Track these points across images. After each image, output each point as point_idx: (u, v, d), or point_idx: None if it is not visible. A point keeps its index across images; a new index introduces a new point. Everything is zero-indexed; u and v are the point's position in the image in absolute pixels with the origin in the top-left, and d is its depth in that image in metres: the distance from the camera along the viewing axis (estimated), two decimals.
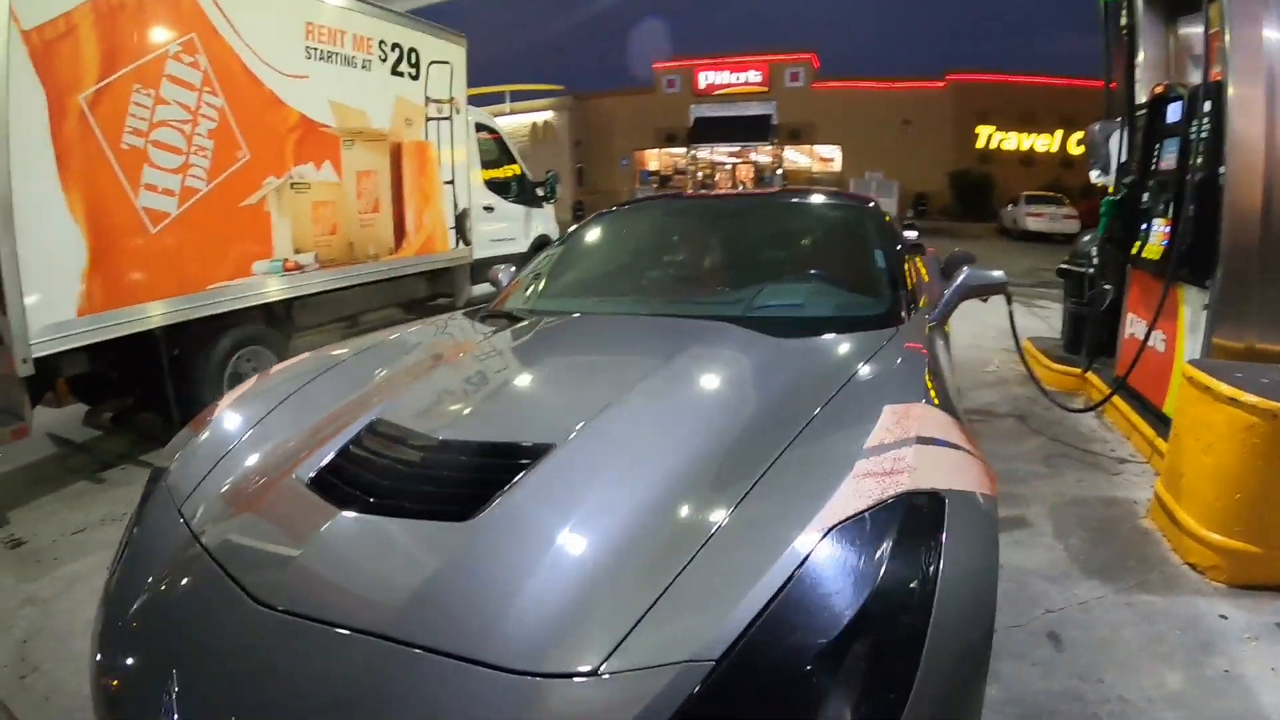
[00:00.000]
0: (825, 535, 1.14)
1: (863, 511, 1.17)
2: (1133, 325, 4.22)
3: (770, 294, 2.52)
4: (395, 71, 5.36)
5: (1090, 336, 4.62)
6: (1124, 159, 4.28)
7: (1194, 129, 3.15)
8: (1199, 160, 3.13)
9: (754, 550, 1.15)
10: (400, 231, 5.55)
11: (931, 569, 1.12)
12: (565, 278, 2.94)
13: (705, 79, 29.67)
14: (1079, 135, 22.95)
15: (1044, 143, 27.13)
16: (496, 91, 29.42)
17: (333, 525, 1.32)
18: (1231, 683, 2.01)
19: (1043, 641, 2.18)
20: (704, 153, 30.53)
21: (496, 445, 1.49)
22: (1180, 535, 2.66)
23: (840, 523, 1.15)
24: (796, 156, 29.98)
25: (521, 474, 1.34)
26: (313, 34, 4.60)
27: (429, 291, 6.36)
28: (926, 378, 1.73)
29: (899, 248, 2.73)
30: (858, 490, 1.22)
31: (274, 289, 4.52)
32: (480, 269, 6.24)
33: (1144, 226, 3.80)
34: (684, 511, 1.27)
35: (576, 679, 1.00)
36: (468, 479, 1.40)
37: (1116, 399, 4.07)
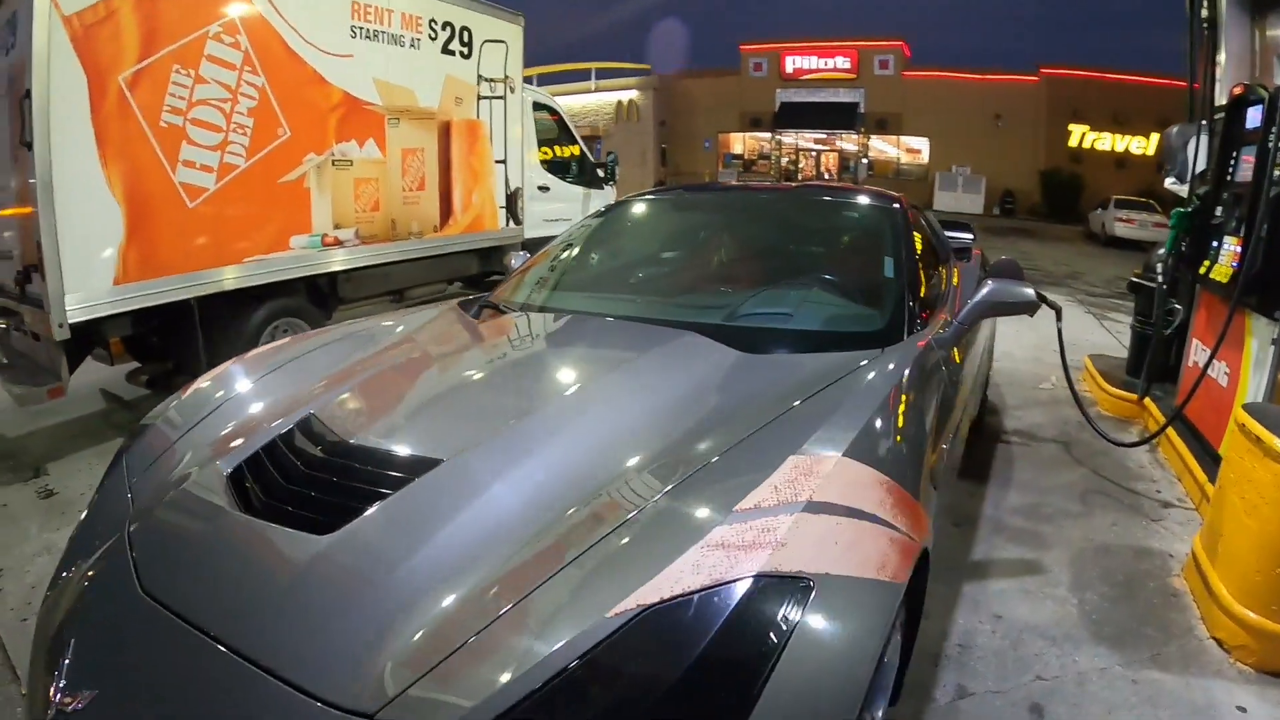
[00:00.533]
0: (635, 618, 0.97)
1: (691, 593, 0.99)
2: (1197, 352, 3.74)
3: (760, 300, 2.32)
4: (446, 50, 5.27)
5: (1151, 359, 4.13)
6: (1202, 167, 3.76)
7: (1273, 136, 2.69)
8: (1277, 173, 2.68)
9: (562, 619, 1.02)
10: (447, 209, 5.50)
11: (762, 675, 0.93)
12: (559, 272, 2.79)
13: (792, 63, 28.44)
14: None
15: (1139, 145, 24.91)
16: (582, 69, 29.34)
17: (222, 522, 1.33)
18: None
19: (1021, 715, 1.91)
20: (789, 138, 29.52)
21: (391, 456, 1.42)
22: (1211, 604, 2.30)
23: (657, 604, 0.99)
24: (883, 146, 28.59)
25: (393, 491, 1.28)
26: (358, 13, 4.55)
27: (480, 269, 6.30)
28: (875, 418, 1.50)
29: (916, 254, 2.46)
30: (698, 564, 1.04)
31: (312, 263, 4.55)
32: (534, 248, 6.02)
33: (1214, 244, 3.32)
34: (523, 556, 1.13)
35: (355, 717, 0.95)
36: (352, 489, 1.33)
37: (1172, 433, 3.63)
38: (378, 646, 1.02)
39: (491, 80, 5.72)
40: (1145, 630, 2.28)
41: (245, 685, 1.01)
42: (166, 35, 3.62)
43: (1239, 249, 3.01)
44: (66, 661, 1.14)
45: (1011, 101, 25.98)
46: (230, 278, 4.11)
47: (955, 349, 2.30)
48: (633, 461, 1.36)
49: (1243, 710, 1.94)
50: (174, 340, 4.17)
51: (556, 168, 7.29)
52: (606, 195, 8.33)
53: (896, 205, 2.74)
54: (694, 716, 0.92)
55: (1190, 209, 3.67)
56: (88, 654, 1.16)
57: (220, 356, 4.12)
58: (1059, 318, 3.70)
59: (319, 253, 4.59)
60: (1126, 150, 24.85)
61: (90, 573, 1.34)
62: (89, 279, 3.46)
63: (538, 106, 6.79)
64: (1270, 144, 2.68)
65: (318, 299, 4.89)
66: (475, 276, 6.36)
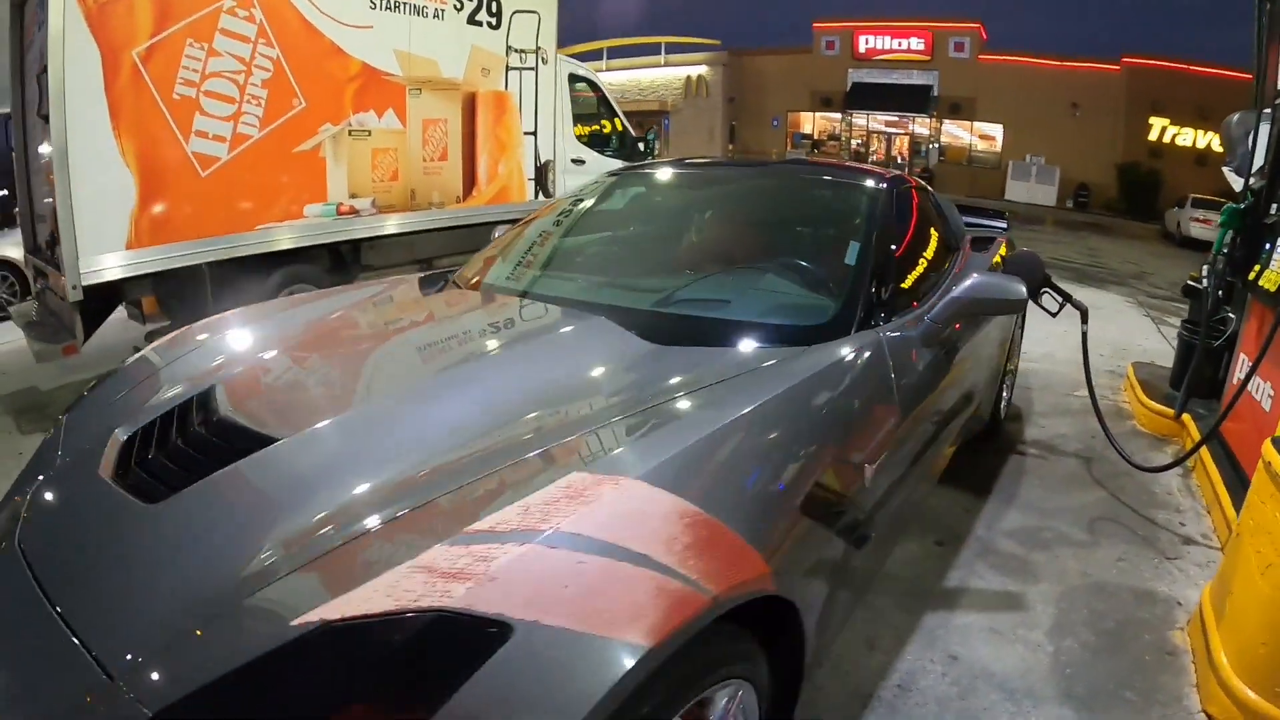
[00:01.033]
0: (311, 632, 0.88)
1: (369, 617, 0.87)
2: (1243, 368, 3.25)
3: (703, 285, 2.09)
4: (472, 20, 5.08)
5: (1194, 372, 3.63)
6: (1263, 161, 3.23)
7: None
8: None
9: (257, 619, 0.95)
10: (471, 180, 5.36)
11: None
12: (517, 249, 2.59)
13: (865, 43, 26.98)
14: None
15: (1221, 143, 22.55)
16: (652, 43, 28.64)
17: (88, 487, 1.34)
18: None
19: None
20: (859, 120, 28.14)
21: (245, 432, 1.38)
22: (1209, 671, 1.95)
23: (336, 622, 0.88)
24: (957, 132, 26.93)
25: (219, 469, 1.24)
26: None
27: None
28: (728, 432, 1.25)
29: (896, 241, 2.19)
30: (394, 586, 0.91)
31: (326, 231, 4.51)
32: None
33: (1267, 246, 2.84)
34: (276, 554, 1.04)
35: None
36: (200, 462, 1.29)
37: (1207, 458, 3.19)
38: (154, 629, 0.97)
39: (522, 51, 5.51)
40: (1125, 693, 1.96)
41: (58, 649, 0.99)
42: (180, 10, 3.67)
43: None
44: None
45: (1090, 91, 24.11)
46: (242, 244, 4.15)
47: (926, 349, 2.00)
48: (424, 462, 1.20)
49: None
50: (190, 302, 4.19)
51: (595, 141, 7.03)
52: None
53: (883, 186, 2.42)
54: None
55: (1244, 205, 3.16)
56: None
57: None
58: (1084, 319, 3.30)
59: (334, 221, 4.55)
60: (1209, 147, 22.65)
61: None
62: (101, 243, 3.56)
63: (575, 79, 6.52)
64: None
65: (339, 265, 4.89)
66: None
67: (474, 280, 2.36)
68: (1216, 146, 22.49)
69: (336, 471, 1.21)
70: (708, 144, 28.00)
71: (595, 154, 6.83)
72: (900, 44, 26.58)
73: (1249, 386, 3.00)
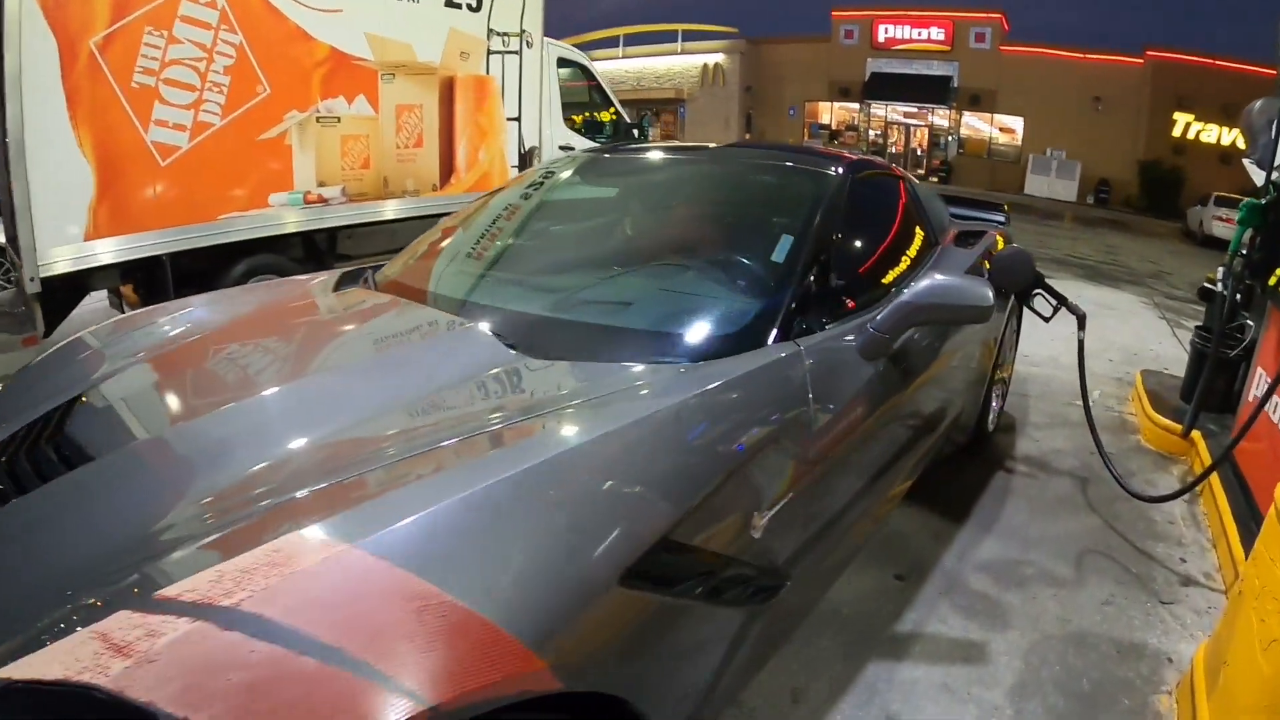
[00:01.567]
0: None
1: (41, 683, 0.73)
2: (1260, 384, 2.88)
3: (610, 286, 1.84)
4: (451, 3, 4.79)
5: (1205, 385, 3.24)
6: None
7: None
8: None
9: None
10: (449, 168, 5.09)
11: None
12: (440, 241, 2.32)
13: (885, 32, 25.99)
14: None
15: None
16: (669, 30, 28.00)
17: None
18: None
19: None
20: (878, 110, 27.24)
21: (65, 443, 1.26)
22: None
23: (16, 682, 0.74)
24: (977, 124, 25.98)
25: (41, 484, 1.13)
26: None
27: None
28: (528, 480, 1.01)
29: (841, 235, 1.90)
30: (69, 653, 0.75)
31: (292, 220, 4.29)
32: None
33: None
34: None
35: None
36: (21, 474, 1.18)
37: (1217, 482, 2.83)
38: None
39: (505, 34, 5.21)
40: None
41: None
42: None
43: None
44: None
45: (1112, 84, 23.11)
46: (204, 234, 3.96)
47: (868, 363, 1.70)
48: (169, 513, 1.01)
49: None
50: (159, 292, 4.04)
51: (589, 128, 6.73)
52: None
53: (836, 172, 2.11)
54: None
55: (1265, 200, 2.76)
56: None
57: None
58: (1081, 325, 2.94)
59: (301, 210, 4.32)
60: (1233, 144, 21.53)
61: None
62: (59, 235, 3.44)
63: (565, 63, 6.21)
64: None
65: (314, 255, 4.68)
66: None
67: (388, 278, 2.11)
68: (1241, 144, 21.47)
69: (97, 518, 1.05)
70: (724, 133, 27.35)
71: (587, 141, 6.53)
72: (920, 33, 25.65)
73: (1267, 406, 2.63)
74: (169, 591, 0.81)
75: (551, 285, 1.87)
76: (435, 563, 0.85)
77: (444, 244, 2.28)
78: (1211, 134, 22.30)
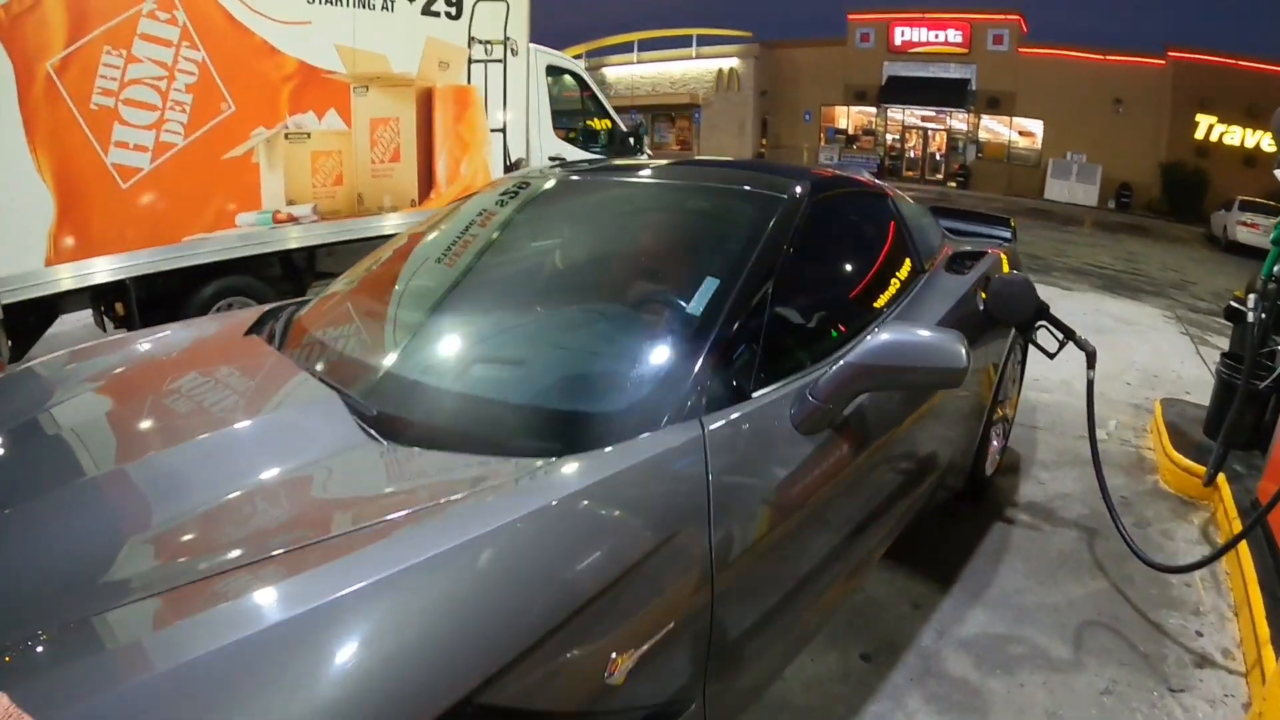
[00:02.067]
0: None
1: None
2: None
3: (511, 346, 1.60)
4: (428, 11, 4.57)
5: (1232, 422, 2.90)
6: None
7: None
8: None
9: None
10: (428, 182, 4.89)
11: None
12: (350, 285, 2.09)
13: (901, 35, 25.37)
14: None
15: (1271, 142, 20.46)
16: (683, 35, 27.65)
17: None
18: None
19: None
20: (895, 114, 26.57)
21: None
22: None
23: None
24: (996, 127, 25.29)
25: None
26: None
27: None
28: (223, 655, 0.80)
29: (786, 274, 1.59)
30: None
31: (261, 242, 4.12)
32: None
33: None
34: None
35: None
36: None
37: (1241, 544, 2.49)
38: None
39: (487, 43, 4.98)
40: None
41: None
42: (97, 18, 3.37)
43: None
44: None
45: (1133, 86, 22.36)
46: (167, 257, 3.81)
47: (807, 439, 1.41)
48: None
49: None
50: (127, 316, 3.95)
51: (584, 137, 6.47)
52: None
53: (789, 194, 1.80)
54: None
55: None
56: None
57: None
58: (1090, 363, 2.63)
59: (270, 230, 4.14)
60: (1258, 147, 20.76)
61: None
62: (19, 262, 3.33)
63: (555, 72, 5.96)
64: None
65: (292, 274, 4.54)
66: None
67: (295, 323, 1.89)
68: (1267, 145, 20.91)
69: None
70: (738, 138, 26.97)
71: (579, 151, 6.27)
72: (937, 36, 25.02)
73: None
74: None
75: (430, 341, 1.63)
76: None
77: (349, 284, 2.05)
78: (1235, 136, 21.50)
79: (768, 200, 1.79)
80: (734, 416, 1.31)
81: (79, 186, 3.42)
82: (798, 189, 1.83)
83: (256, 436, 1.27)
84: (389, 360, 1.57)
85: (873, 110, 26.89)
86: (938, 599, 2.33)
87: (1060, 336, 2.73)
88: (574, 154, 6.24)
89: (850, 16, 26.42)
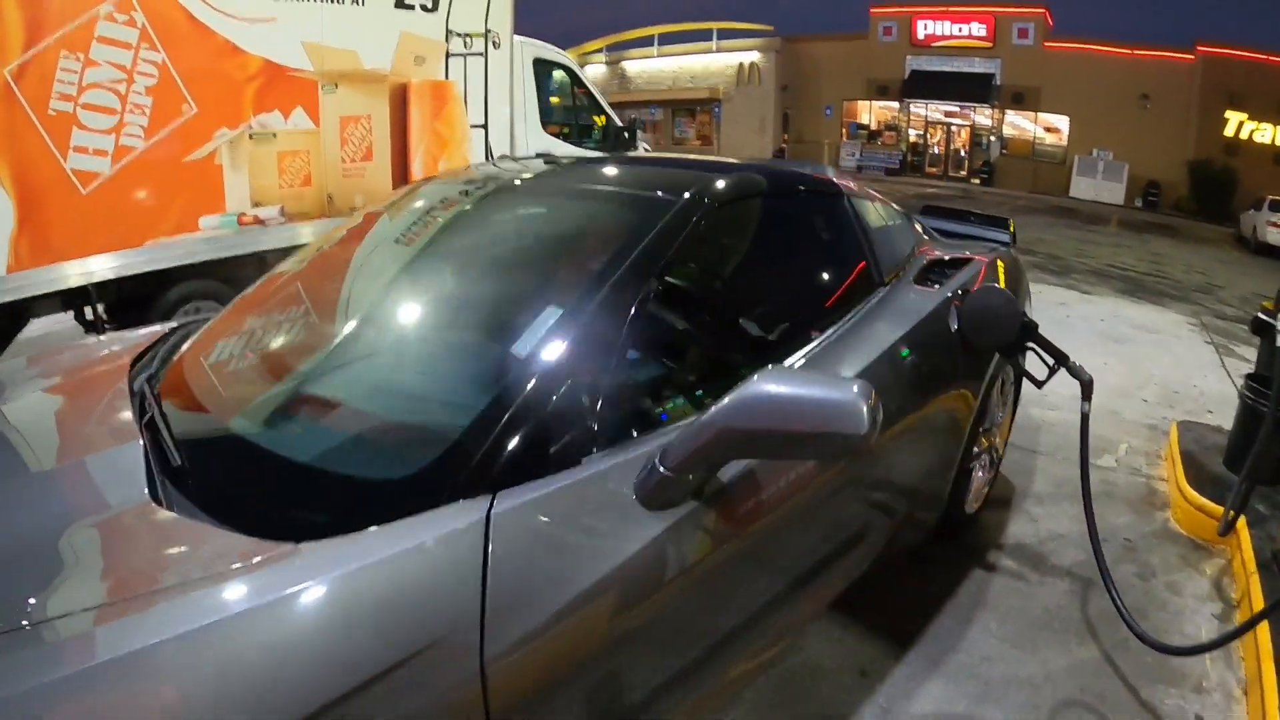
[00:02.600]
0: None
1: None
2: None
3: (350, 393, 1.35)
4: (402, 4, 4.34)
5: (1256, 458, 2.51)
6: None
7: None
8: None
9: None
10: (404, 181, 4.66)
11: None
12: (235, 322, 1.84)
13: (924, 28, 24.47)
14: None
15: None
16: (703, 29, 27.04)
17: None
18: None
19: None
20: (918, 109, 25.65)
21: None
22: None
23: None
24: (1021, 123, 24.33)
25: None
26: None
27: None
28: None
29: (661, 295, 1.34)
30: None
31: (226, 245, 3.97)
32: None
33: None
34: None
35: None
36: None
37: (1256, 590, 2.16)
38: None
39: (467, 36, 4.73)
40: None
41: None
42: (53, 23, 3.27)
43: None
44: None
45: (1161, 81, 21.37)
46: (130, 262, 3.68)
47: (653, 517, 1.11)
48: None
49: None
50: (121, 310, 3.91)
51: (577, 133, 6.19)
52: None
53: (681, 200, 1.47)
54: None
55: None
56: None
57: None
58: (1086, 395, 2.29)
59: (235, 234, 3.98)
60: None
61: None
62: None
63: (544, 65, 5.68)
64: None
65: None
66: None
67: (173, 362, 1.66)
68: None
69: None
70: (759, 133, 26.36)
71: (570, 147, 5.98)
72: (961, 30, 24.12)
73: None
74: None
75: (244, 385, 1.43)
76: None
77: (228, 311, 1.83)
78: (1266, 134, 20.53)
79: (652, 206, 1.47)
80: (551, 490, 1.04)
81: (38, 193, 3.34)
82: (695, 191, 1.50)
83: (49, 486, 1.13)
84: (209, 403, 1.36)
85: (895, 105, 26.08)
86: (889, 666, 2.03)
87: (1051, 362, 2.39)
88: (564, 150, 5.97)
89: (872, 10, 25.69)
